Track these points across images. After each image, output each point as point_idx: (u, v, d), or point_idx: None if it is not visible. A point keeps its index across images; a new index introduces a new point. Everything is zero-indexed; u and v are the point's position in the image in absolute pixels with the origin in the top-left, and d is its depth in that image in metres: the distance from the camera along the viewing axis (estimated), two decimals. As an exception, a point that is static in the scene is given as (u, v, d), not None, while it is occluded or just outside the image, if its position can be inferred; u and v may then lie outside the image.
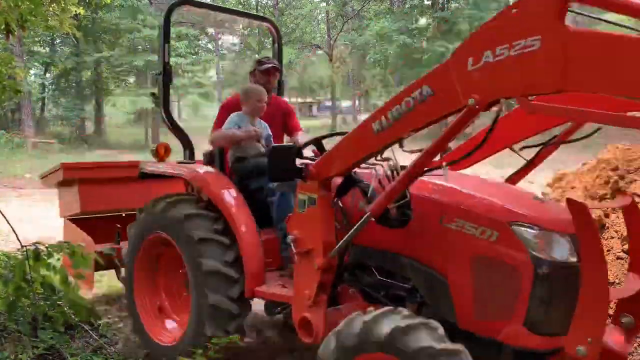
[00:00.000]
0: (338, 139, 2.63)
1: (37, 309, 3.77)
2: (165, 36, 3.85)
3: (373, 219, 2.47)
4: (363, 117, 43.42)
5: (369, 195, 2.64)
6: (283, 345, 4.02)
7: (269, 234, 3.46)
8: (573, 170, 5.33)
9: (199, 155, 4.04)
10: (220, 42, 46.30)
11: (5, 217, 4.21)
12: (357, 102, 45.58)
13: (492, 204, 2.43)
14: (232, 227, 3.28)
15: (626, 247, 3.91)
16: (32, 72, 29.76)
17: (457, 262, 2.45)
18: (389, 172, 2.53)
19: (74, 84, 29.20)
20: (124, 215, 4.88)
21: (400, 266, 2.70)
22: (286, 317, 3.11)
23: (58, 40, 28.49)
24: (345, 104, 53.49)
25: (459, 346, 2.08)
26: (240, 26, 46.20)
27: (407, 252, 2.65)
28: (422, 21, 30.64)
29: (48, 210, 11.03)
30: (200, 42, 43.60)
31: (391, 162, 2.54)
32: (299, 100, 58.71)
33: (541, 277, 2.23)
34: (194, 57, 29.63)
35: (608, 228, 4.11)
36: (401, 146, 2.40)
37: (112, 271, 4.80)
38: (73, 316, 3.96)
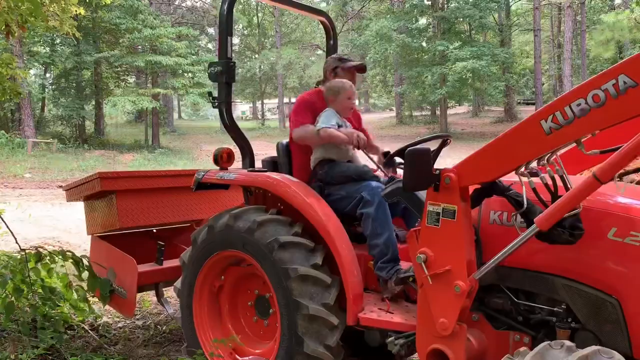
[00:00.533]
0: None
1: (36, 310, 3.77)
2: (228, 28, 3.35)
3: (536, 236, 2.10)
4: (363, 116, 43.43)
5: (525, 206, 2.21)
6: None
7: (357, 250, 2.97)
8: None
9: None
10: (220, 42, 46.19)
11: (4, 222, 4.20)
12: (356, 102, 45.54)
13: None
14: (328, 242, 2.85)
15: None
16: (32, 72, 29.75)
17: (632, 281, 2.10)
18: (549, 180, 2.17)
19: (74, 84, 29.18)
20: (154, 231, 4.41)
21: (549, 287, 2.32)
22: (399, 350, 2.63)
23: (58, 40, 28.44)
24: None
25: None
26: (241, 26, 46.21)
27: (561, 271, 2.27)
28: (422, 21, 30.62)
29: (48, 210, 11.04)
30: (200, 42, 43.62)
31: (556, 167, 2.17)
32: (299, 100, 58.75)
33: None
34: (194, 57, 29.58)
35: (608, 228, 4.10)
36: (580, 147, 2.02)
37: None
38: (73, 316, 3.97)
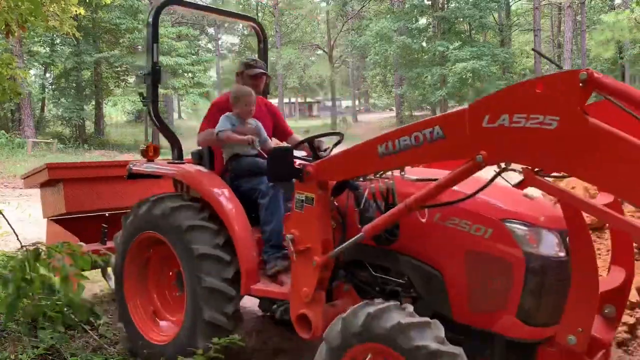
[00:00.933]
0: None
1: (37, 309, 3.77)
2: (154, 37, 3.85)
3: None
4: (363, 116, 43.50)
5: (362, 205, 2.77)
6: (283, 345, 4.02)
7: (256, 234, 3.45)
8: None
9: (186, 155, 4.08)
10: (220, 42, 46.31)
11: (5, 218, 4.23)
12: (357, 102, 45.53)
13: (485, 203, 2.54)
14: (226, 224, 3.33)
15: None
16: (32, 72, 29.75)
17: (451, 258, 2.59)
18: (383, 191, 2.67)
19: (74, 84, 29.19)
20: (107, 215, 4.97)
21: (395, 262, 2.81)
22: (281, 315, 3.20)
23: (58, 40, 28.46)
24: (345, 103, 53.51)
25: (457, 349, 2.19)
26: (241, 26, 46.23)
27: (403, 249, 2.75)
28: (422, 21, 30.62)
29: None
30: (200, 42, 43.63)
31: (388, 182, 2.67)
32: (299, 100, 58.75)
33: (532, 271, 2.39)
34: (194, 57, 29.61)
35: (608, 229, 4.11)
36: (401, 172, 2.59)
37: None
38: (73, 316, 3.97)
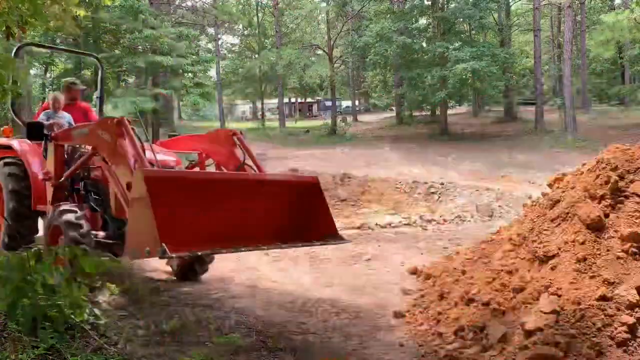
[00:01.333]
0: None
1: (37, 309, 3.77)
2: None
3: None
4: (362, 116, 43.44)
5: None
6: (283, 345, 4.03)
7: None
8: (573, 170, 5.33)
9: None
10: (220, 42, 46.29)
11: (5, 218, 4.22)
12: (357, 102, 45.47)
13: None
14: (27, 167, 6.08)
15: (626, 246, 3.92)
16: (32, 72, 29.74)
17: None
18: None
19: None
20: None
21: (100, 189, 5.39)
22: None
23: (58, 41, 28.45)
24: (345, 103, 53.45)
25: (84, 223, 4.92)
26: (241, 26, 46.22)
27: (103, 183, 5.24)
28: (422, 21, 30.59)
29: (48, 211, 11.05)
30: (200, 42, 43.59)
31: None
32: (299, 100, 58.70)
33: None
34: (194, 57, 29.58)
35: (608, 228, 4.11)
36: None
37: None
38: (73, 317, 3.97)
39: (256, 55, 44.71)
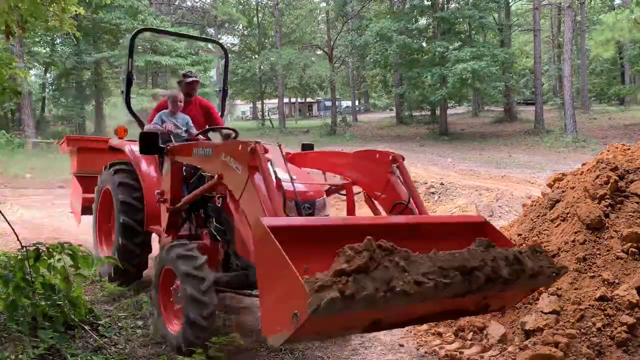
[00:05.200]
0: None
1: (37, 309, 3.77)
2: (130, 53, 5.64)
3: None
4: (362, 116, 43.44)
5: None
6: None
7: None
8: (573, 170, 5.33)
9: None
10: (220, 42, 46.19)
11: (5, 218, 4.22)
12: (357, 102, 45.44)
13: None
14: (142, 183, 5.17)
15: (626, 246, 3.92)
16: (32, 72, 29.74)
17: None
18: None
19: (74, 84, 29.19)
20: None
21: (219, 216, 4.28)
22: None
23: (58, 41, 28.46)
24: (345, 103, 53.45)
25: (206, 275, 3.63)
26: (241, 26, 46.20)
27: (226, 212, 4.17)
28: (422, 21, 30.58)
29: (48, 210, 11.03)
30: (200, 42, 43.52)
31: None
32: (299, 100, 58.69)
33: None
34: (194, 57, 29.58)
35: (608, 228, 4.11)
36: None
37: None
38: (73, 316, 3.97)
39: (256, 55, 44.68)
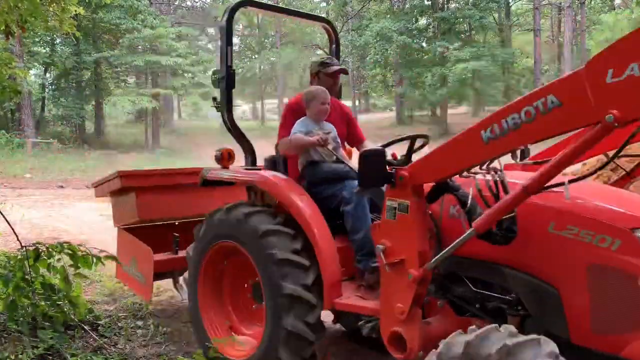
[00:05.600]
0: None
1: (37, 309, 3.77)
2: (228, 39, 3.75)
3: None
4: (362, 116, 43.48)
5: (468, 205, 2.45)
6: None
7: (341, 243, 3.25)
8: (573, 170, 5.33)
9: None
10: (220, 42, 46.24)
11: (5, 218, 4.22)
12: (357, 102, 45.49)
13: (610, 210, 2.27)
14: (308, 234, 3.14)
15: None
16: (32, 72, 29.73)
17: (571, 272, 2.28)
18: (492, 183, 2.39)
19: (74, 84, 29.20)
20: (177, 223, 4.75)
21: (500, 277, 2.52)
22: (369, 331, 2.97)
23: (58, 40, 28.45)
24: (345, 103, 53.40)
25: None
26: (241, 26, 46.19)
27: (509, 262, 2.47)
28: (422, 21, 30.60)
29: (48, 210, 11.04)
30: (200, 42, 43.62)
31: (498, 173, 2.42)
32: (299, 100, 58.68)
33: None
34: (194, 57, 29.58)
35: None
36: (514, 158, 2.29)
37: (112, 271, 4.85)
38: (73, 316, 3.97)
39: (256, 55, 44.71)
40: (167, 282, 4.79)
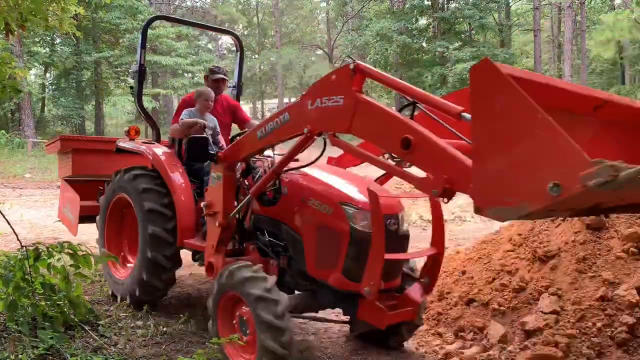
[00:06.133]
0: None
1: (37, 309, 3.77)
2: (142, 43, 5.19)
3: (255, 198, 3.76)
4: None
5: (255, 179, 3.93)
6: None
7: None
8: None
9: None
10: (220, 42, 46.28)
11: (5, 218, 4.23)
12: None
13: (332, 188, 3.52)
14: (172, 193, 4.46)
15: (626, 246, 3.92)
16: (32, 72, 29.74)
17: (309, 228, 3.51)
18: (268, 166, 3.83)
19: (74, 84, 29.19)
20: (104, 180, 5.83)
21: (278, 229, 3.77)
22: (200, 262, 4.37)
23: (58, 40, 28.46)
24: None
25: (279, 296, 3.24)
26: (241, 26, 46.19)
27: (281, 219, 3.73)
28: (422, 21, 30.59)
29: (48, 211, 11.03)
30: (200, 42, 43.60)
31: (270, 159, 3.89)
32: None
33: (353, 241, 3.29)
34: (194, 57, 29.58)
35: (608, 228, 4.11)
36: (273, 150, 3.89)
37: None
38: (73, 316, 3.97)
39: (256, 55, 44.70)
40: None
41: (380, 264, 3.08)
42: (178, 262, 4.54)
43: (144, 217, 4.43)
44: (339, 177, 3.73)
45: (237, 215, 3.80)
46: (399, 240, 3.44)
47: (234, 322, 3.48)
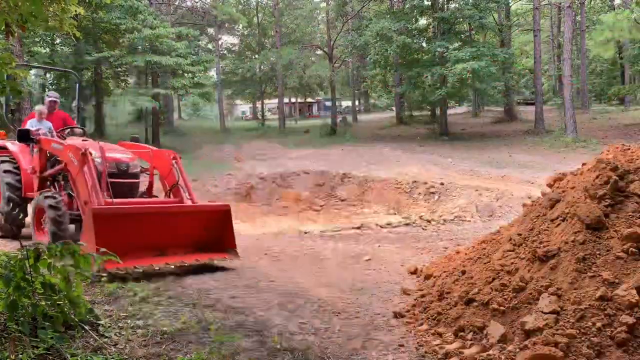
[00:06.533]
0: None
1: (37, 309, 3.77)
2: None
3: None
4: (362, 116, 43.46)
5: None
6: (282, 345, 4.02)
7: None
8: (573, 170, 5.33)
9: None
10: (220, 42, 46.28)
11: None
12: (357, 102, 45.45)
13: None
14: (17, 162, 8.38)
15: (626, 246, 3.92)
16: (32, 72, 29.71)
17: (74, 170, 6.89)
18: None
19: (74, 84, 29.15)
20: None
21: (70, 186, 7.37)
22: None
23: (58, 40, 28.44)
24: (345, 103, 53.44)
25: (60, 205, 6.83)
26: (241, 26, 46.18)
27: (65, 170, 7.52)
28: (422, 21, 30.56)
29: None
30: (200, 42, 43.58)
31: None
32: (299, 100, 58.67)
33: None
34: (194, 57, 29.54)
35: (608, 228, 4.11)
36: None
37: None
38: (73, 316, 3.97)
39: (256, 55, 44.68)
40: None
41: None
42: (24, 202, 8.19)
43: (2, 182, 8.28)
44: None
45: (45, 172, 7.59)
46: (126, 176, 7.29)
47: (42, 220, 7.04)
